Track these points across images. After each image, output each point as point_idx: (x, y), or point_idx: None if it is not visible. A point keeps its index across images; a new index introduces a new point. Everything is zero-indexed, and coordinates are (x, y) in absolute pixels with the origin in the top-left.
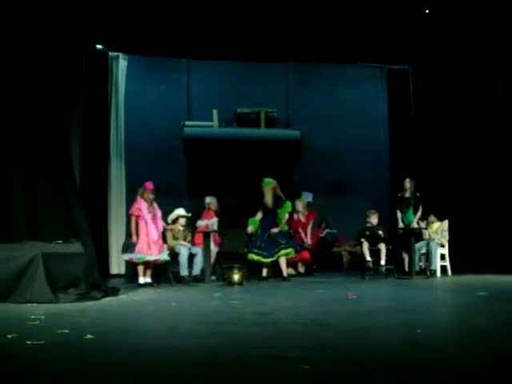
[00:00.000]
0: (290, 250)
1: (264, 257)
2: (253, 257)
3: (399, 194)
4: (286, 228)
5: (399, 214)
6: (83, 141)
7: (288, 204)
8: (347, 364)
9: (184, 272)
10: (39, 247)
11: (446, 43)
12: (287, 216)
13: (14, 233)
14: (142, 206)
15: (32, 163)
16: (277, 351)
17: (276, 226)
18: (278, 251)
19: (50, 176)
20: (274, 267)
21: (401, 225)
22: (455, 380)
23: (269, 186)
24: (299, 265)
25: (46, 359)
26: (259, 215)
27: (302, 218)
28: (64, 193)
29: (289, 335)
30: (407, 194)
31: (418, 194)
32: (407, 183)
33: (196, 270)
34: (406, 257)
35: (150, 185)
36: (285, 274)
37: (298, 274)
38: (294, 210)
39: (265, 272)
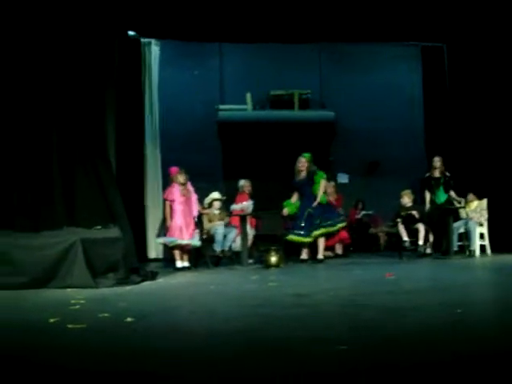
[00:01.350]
0: (321, 230)
1: (302, 236)
2: (292, 238)
3: (427, 174)
4: (325, 200)
5: (428, 195)
6: (118, 127)
7: (321, 173)
8: (385, 344)
9: (218, 248)
10: (78, 233)
11: (482, 18)
12: (324, 182)
13: (53, 220)
14: (173, 190)
15: (69, 151)
16: (315, 332)
17: (315, 199)
18: (312, 231)
19: (86, 163)
20: (311, 250)
21: (428, 206)
22: (496, 358)
23: (308, 159)
24: (337, 246)
25: (87, 342)
26: (294, 197)
27: (332, 199)
28: (101, 179)
29: (327, 316)
30: (437, 174)
31: (447, 174)
32: (437, 162)
33: (226, 245)
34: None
35: (173, 169)
36: (320, 255)
37: (336, 256)
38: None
39: (304, 254)
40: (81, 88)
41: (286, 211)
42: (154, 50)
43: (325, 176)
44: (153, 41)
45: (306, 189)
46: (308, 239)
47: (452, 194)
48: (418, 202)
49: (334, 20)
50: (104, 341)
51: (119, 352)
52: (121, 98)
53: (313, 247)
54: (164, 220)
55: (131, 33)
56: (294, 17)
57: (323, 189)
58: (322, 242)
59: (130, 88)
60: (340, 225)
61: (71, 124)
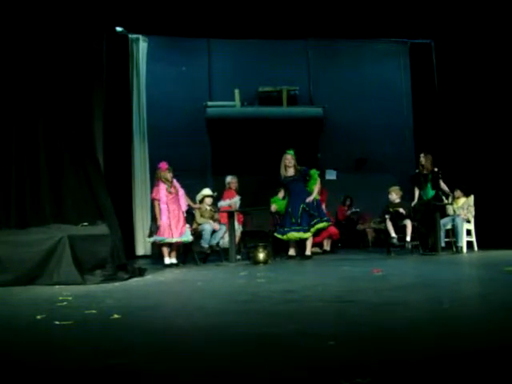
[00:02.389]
0: (324, 223)
1: (302, 231)
2: (293, 235)
3: (416, 171)
4: (318, 197)
5: (417, 192)
6: (106, 124)
7: (314, 170)
8: (372, 339)
9: (204, 244)
10: (65, 230)
11: (470, 15)
12: (319, 179)
13: (40, 216)
14: (159, 188)
15: (56, 147)
16: (303, 328)
17: (309, 194)
18: (314, 225)
19: (74, 159)
20: (299, 246)
21: (415, 202)
22: (483, 353)
23: (293, 156)
24: (325, 242)
25: (74, 339)
26: (281, 194)
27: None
28: (88, 175)
29: (315, 312)
30: (424, 170)
31: (435, 169)
32: (422, 159)
33: (213, 242)
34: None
35: (163, 164)
36: (308, 251)
37: (324, 252)
38: None
39: (292, 251)
40: (68, 85)
41: (274, 207)
42: (142, 46)
43: (318, 173)
44: (141, 37)
45: (296, 185)
46: (308, 234)
47: (442, 186)
48: (406, 198)
49: (323, 16)
50: (90, 337)
51: (103, 349)
52: (108, 94)
53: (301, 244)
54: (153, 219)
55: (119, 29)
56: (282, 13)
57: (319, 185)
58: (310, 239)
59: (118, 84)
60: (327, 224)
61: (58, 121)
